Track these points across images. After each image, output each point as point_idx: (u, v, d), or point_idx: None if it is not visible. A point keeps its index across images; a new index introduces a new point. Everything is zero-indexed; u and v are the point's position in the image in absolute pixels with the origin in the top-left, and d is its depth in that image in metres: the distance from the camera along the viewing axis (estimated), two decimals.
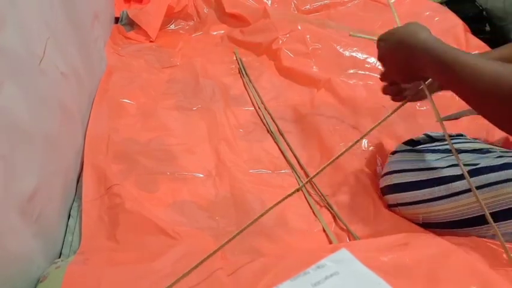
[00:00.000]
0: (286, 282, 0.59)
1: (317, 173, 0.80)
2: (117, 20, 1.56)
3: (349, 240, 0.83)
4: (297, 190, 0.79)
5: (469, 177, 0.68)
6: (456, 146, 0.82)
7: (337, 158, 0.79)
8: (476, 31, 1.46)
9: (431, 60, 0.66)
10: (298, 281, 0.59)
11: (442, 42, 0.67)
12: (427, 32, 0.70)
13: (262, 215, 0.73)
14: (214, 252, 0.67)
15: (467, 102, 0.64)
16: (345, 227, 0.85)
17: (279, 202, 0.75)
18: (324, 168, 0.78)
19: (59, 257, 0.80)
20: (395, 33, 0.74)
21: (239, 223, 0.87)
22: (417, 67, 0.70)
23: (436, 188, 0.77)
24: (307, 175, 0.99)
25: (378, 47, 0.78)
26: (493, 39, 1.47)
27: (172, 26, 1.59)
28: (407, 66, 0.73)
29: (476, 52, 1.06)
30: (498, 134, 1.02)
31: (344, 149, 0.79)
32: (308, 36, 1.38)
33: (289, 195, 0.76)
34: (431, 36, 0.69)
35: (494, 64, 0.60)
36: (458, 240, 0.70)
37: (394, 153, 0.90)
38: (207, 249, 0.71)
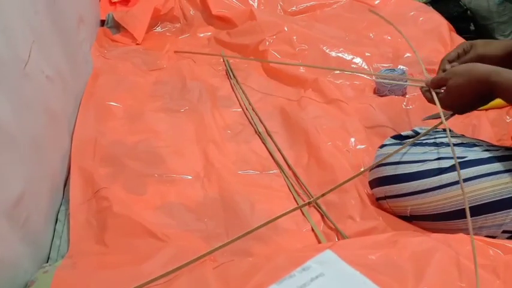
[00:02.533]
0: (272, 286, 0.59)
1: (323, 194, 0.87)
2: (103, 22, 1.55)
3: (338, 239, 0.84)
4: (301, 207, 0.87)
5: (459, 167, 0.72)
6: (443, 139, 0.83)
7: (347, 181, 0.85)
8: (461, 30, 1.48)
9: (500, 88, 0.73)
10: (284, 284, 0.59)
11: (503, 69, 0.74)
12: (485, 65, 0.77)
13: (261, 226, 0.76)
14: (204, 255, 0.67)
15: None
16: (333, 226, 0.86)
17: (279, 217, 0.79)
18: (333, 189, 0.86)
19: (47, 262, 0.80)
20: (458, 72, 0.79)
21: (228, 224, 0.87)
22: (488, 93, 0.76)
23: (424, 181, 0.78)
24: (295, 175, 0.99)
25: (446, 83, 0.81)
26: (478, 38, 1.49)
27: (158, 29, 1.59)
28: (476, 96, 0.78)
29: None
30: (484, 133, 1.03)
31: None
32: (295, 37, 1.38)
33: (291, 211, 0.82)
34: (492, 67, 0.75)
35: None
36: (445, 237, 0.70)
37: (382, 146, 0.91)
38: (196, 251, 0.71)
